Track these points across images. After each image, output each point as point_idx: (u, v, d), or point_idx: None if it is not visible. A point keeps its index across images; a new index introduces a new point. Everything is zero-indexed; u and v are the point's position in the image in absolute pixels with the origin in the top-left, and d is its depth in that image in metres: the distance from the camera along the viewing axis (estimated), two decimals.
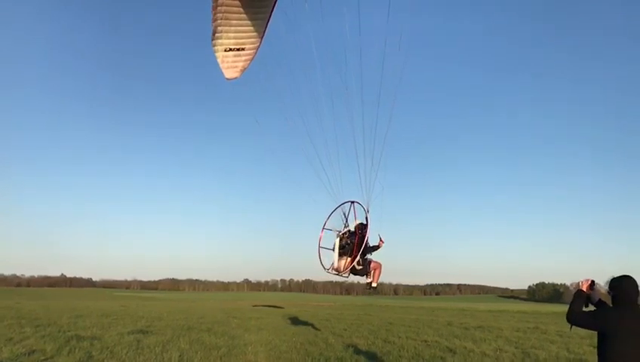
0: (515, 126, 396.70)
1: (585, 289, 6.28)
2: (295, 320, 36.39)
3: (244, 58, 9.36)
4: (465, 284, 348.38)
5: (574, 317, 6.06)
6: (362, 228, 9.09)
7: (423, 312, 60.91)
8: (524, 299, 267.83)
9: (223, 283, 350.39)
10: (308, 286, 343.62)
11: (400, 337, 24.43)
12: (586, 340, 22.19)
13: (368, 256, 9.51)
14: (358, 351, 18.60)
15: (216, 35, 8.82)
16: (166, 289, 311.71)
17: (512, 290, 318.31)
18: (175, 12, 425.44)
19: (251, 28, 9.05)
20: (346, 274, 9.64)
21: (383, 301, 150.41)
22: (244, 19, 8.88)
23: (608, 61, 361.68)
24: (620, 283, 5.87)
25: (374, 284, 10.10)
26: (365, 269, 9.62)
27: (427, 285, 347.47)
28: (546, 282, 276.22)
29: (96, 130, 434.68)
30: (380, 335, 25.46)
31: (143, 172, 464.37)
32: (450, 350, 19.54)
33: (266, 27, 9.39)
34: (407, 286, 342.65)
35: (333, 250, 9.16)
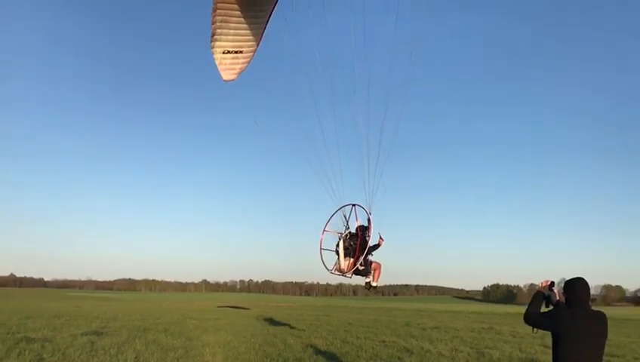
0: (468, 129, 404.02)
1: (543, 290, 6.47)
2: (254, 321, 36.18)
3: (241, 61, 9.48)
4: (422, 285, 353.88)
5: (530, 317, 6.26)
6: (363, 230, 9.21)
7: (381, 313, 61.53)
8: (479, 300, 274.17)
9: (180, 283, 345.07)
10: (267, 287, 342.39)
11: (358, 337, 24.59)
12: (537, 340, 22.84)
13: (369, 257, 9.62)
14: (316, 352, 18.62)
15: (215, 37, 8.90)
16: (122, 289, 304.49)
17: (468, 291, 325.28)
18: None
19: (249, 31, 9.18)
20: (350, 275, 9.74)
21: (341, 301, 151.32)
22: (243, 23, 8.96)
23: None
24: (573, 285, 6.09)
25: (374, 284, 10.28)
26: (367, 269, 9.77)
27: (385, 286, 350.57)
28: (501, 283, 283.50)
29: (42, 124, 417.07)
30: (338, 335, 25.56)
31: (95, 169, 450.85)
32: (408, 350, 19.79)
33: (264, 30, 9.48)
34: None
35: (337, 252, 9.24)
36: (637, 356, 19.51)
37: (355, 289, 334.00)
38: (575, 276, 6.21)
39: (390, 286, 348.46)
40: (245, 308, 61.73)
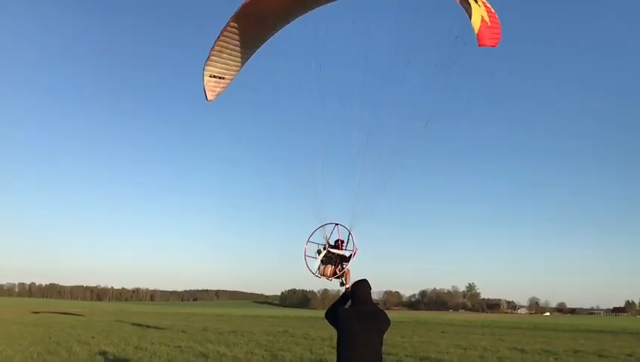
0: None
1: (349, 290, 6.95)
2: (33, 329, 32.59)
3: (221, 85, 10.84)
4: (222, 290, 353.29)
5: (326, 314, 6.75)
6: (342, 243, 10.35)
7: (178, 318, 60.13)
8: (277, 305, 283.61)
9: None
10: (52, 291, 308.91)
11: (153, 343, 23.77)
12: (326, 341, 24.49)
13: (344, 264, 10.59)
14: (106, 359, 17.57)
15: (208, 61, 10.37)
16: None
17: (267, 296, 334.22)
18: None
19: (236, 62, 10.67)
20: (331, 279, 10.43)
21: (137, 307, 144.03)
22: (235, 54, 10.48)
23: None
24: (354, 286, 6.69)
25: (348, 285, 10.77)
26: (342, 274, 10.61)
27: (185, 291, 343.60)
28: (297, 289, 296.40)
29: None
30: (131, 341, 24.37)
31: None
32: (204, 354, 19.70)
33: (246, 62, 10.87)
34: (165, 291, 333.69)
35: (322, 261, 10.25)
36: (408, 354, 22.03)
37: (152, 295, 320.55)
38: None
39: (190, 291, 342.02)
40: (72, 314, 55.15)
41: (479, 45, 8.10)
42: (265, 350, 22.32)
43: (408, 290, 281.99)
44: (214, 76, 10.68)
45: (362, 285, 6.63)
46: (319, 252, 10.49)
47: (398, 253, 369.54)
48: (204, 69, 10.47)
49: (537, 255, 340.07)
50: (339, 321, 6.42)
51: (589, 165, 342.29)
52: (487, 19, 8.24)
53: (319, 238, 10.41)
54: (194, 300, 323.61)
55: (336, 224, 10.46)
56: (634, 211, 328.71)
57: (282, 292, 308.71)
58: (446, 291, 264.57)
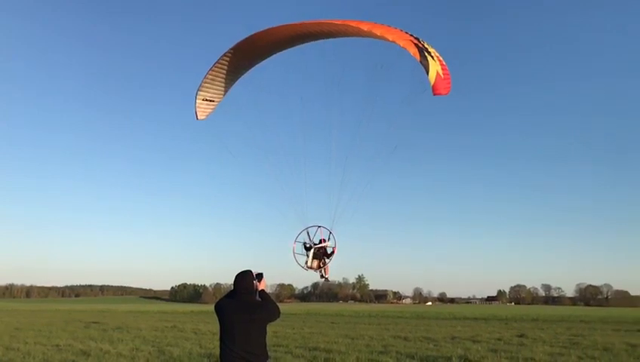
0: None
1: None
2: None
3: (211, 107, 12.63)
4: (108, 285, 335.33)
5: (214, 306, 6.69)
6: (324, 241, 12.63)
7: (58, 315, 56.48)
8: (166, 300, 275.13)
9: None
10: None
11: (27, 343, 22.18)
12: (217, 335, 24.13)
13: (326, 259, 12.90)
14: None
15: (202, 86, 12.16)
16: None
17: (155, 291, 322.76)
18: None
19: (224, 87, 12.48)
20: (318, 272, 12.85)
21: (11, 305, 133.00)
22: (225, 81, 12.33)
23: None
24: (236, 277, 6.66)
25: (327, 276, 13.24)
26: (324, 267, 13.03)
27: (66, 286, 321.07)
28: (188, 283, 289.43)
29: None
30: (2, 342, 22.53)
31: None
32: (85, 353, 18.71)
33: (232, 87, 12.67)
34: (43, 287, 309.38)
35: (307, 255, 12.56)
36: (298, 345, 22.42)
37: (28, 291, 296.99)
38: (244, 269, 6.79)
39: (71, 286, 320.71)
40: None
41: (434, 95, 10.25)
42: (152, 346, 21.64)
43: (301, 283, 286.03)
44: (206, 100, 12.49)
45: (243, 276, 6.60)
46: (309, 248, 12.69)
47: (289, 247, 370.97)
48: (197, 94, 12.32)
49: (421, 247, 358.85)
50: (219, 313, 6.46)
51: (474, 161, 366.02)
52: (441, 73, 10.36)
53: (301, 238, 12.68)
54: (76, 296, 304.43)
55: (319, 226, 12.71)
56: (502, 209, 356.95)
57: (172, 287, 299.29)
58: (337, 283, 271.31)
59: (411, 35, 10.58)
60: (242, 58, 11.98)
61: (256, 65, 12.58)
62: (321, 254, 12.95)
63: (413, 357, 18.07)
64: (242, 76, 12.75)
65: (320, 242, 12.91)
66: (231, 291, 6.73)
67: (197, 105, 12.53)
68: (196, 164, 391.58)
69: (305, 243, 12.98)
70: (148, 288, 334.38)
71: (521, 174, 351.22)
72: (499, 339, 26.09)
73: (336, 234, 12.64)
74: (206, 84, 12.27)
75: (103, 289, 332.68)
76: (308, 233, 12.95)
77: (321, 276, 13.54)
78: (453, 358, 17.51)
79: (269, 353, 6.51)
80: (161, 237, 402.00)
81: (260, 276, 6.94)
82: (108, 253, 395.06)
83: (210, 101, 12.61)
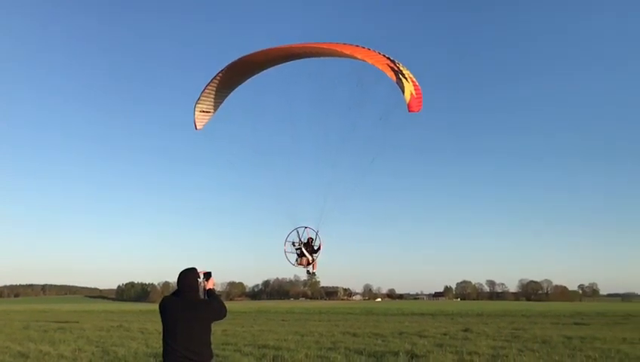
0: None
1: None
2: None
3: (207, 117, 13.75)
4: (51, 285, 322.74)
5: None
6: (312, 240, 13.88)
7: None
8: (113, 299, 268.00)
9: None
10: None
11: None
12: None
13: (314, 255, 14.02)
14: None
15: (200, 99, 13.34)
16: None
17: (101, 290, 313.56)
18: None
19: (219, 99, 13.60)
20: (307, 268, 14.04)
21: None
22: (221, 94, 13.48)
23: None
24: (180, 275, 6.54)
25: (314, 271, 14.36)
26: (312, 264, 14.18)
27: (4, 286, 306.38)
28: (136, 282, 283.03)
29: None
30: None
31: None
32: (23, 355, 18.00)
33: (226, 98, 13.78)
34: None
35: (297, 254, 13.88)
36: (247, 343, 22.27)
37: None
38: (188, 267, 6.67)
39: (10, 286, 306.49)
40: None
41: (409, 112, 11.95)
42: (96, 346, 21.03)
43: (252, 281, 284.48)
44: (203, 111, 13.59)
45: (187, 274, 6.49)
46: (300, 247, 13.91)
47: (241, 244, 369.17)
48: (195, 107, 13.51)
49: (371, 245, 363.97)
50: (162, 311, 6.33)
51: (424, 158, 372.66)
52: (414, 93, 12.00)
53: (291, 238, 14.07)
54: (15, 296, 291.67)
55: (306, 227, 14.02)
56: (449, 207, 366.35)
57: (119, 286, 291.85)
58: (288, 280, 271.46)
59: (388, 58, 11.83)
60: (237, 74, 13.19)
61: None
62: (310, 251, 14.11)
63: (361, 353, 18.26)
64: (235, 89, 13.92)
65: (308, 241, 14.17)
66: (176, 290, 6.60)
67: (195, 116, 13.65)
68: (146, 156, 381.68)
69: (294, 243, 14.19)
70: (93, 287, 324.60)
71: (465, 171, 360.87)
72: (445, 334, 26.75)
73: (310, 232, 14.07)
74: (203, 98, 13.40)
75: (45, 289, 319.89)
76: (298, 233, 14.21)
77: (310, 272, 14.80)
78: (401, 353, 17.82)
79: (213, 352, 6.44)
80: (108, 235, 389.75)
81: (208, 275, 6.86)
82: (50, 251, 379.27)
83: (207, 112, 13.73)
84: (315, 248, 14.24)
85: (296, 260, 14.22)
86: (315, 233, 14.17)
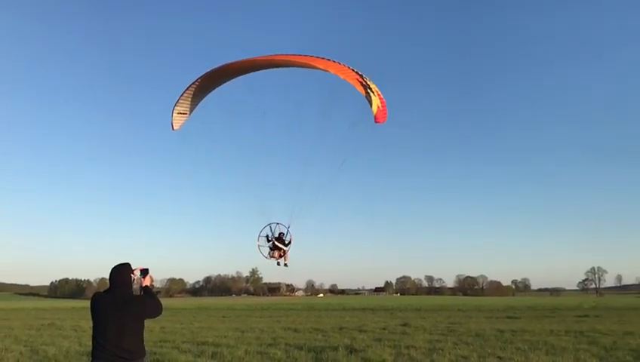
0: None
1: (134, 276, 6.51)
2: None
3: (184, 119, 14.61)
4: None
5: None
6: (284, 235, 14.96)
7: None
8: (45, 296, 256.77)
9: None
10: None
11: None
12: None
13: (285, 248, 15.04)
14: None
15: (179, 102, 14.22)
16: None
17: (32, 287, 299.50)
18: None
19: (196, 102, 14.47)
20: (280, 261, 15.04)
21: None
22: (196, 97, 14.32)
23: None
24: (112, 270, 6.32)
25: (287, 263, 15.35)
26: (284, 257, 15.19)
27: None
28: (70, 278, 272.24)
29: None
30: None
31: None
32: None
33: (202, 101, 14.62)
34: None
35: (270, 247, 14.88)
36: (186, 339, 21.90)
37: None
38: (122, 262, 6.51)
39: None
40: None
41: (375, 123, 13.66)
42: (24, 346, 20.13)
43: (192, 277, 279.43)
44: (180, 113, 14.45)
45: (118, 269, 6.31)
46: (274, 241, 14.87)
47: (184, 240, 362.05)
48: (173, 109, 14.37)
49: (313, 241, 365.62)
50: (92, 307, 6.15)
51: (371, 157, 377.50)
52: (380, 106, 13.62)
53: (264, 233, 15.09)
54: None
55: (277, 223, 15.12)
56: (390, 205, 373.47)
57: (52, 282, 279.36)
58: (230, 277, 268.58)
59: (357, 73, 13.13)
60: (215, 81, 14.11)
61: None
62: (281, 245, 15.14)
63: (301, 348, 18.34)
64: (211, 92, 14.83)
65: (279, 236, 15.22)
66: (109, 286, 6.40)
67: (173, 117, 14.54)
68: (81, 146, 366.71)
69: (267, 237, 15.16)
70: (24, 284, 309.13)
71: (404, 168, 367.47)
72: (384, 329, 27.27)
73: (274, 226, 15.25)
74: (181, 101, 14.26)
75: None
76: (270, 228, 15.23)
77: (279, 264, 15.70)
78: (340, 348, 18.00)
79: (147, 349, 6.30)
80: (40, 229, 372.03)
81: (145, 272, 6.71)
82: None
83: (184, 114, 14.60)
84: (286, 242, 15.26)
85: (269, 253, 15.20)
86: (286, 228, 15.18)
